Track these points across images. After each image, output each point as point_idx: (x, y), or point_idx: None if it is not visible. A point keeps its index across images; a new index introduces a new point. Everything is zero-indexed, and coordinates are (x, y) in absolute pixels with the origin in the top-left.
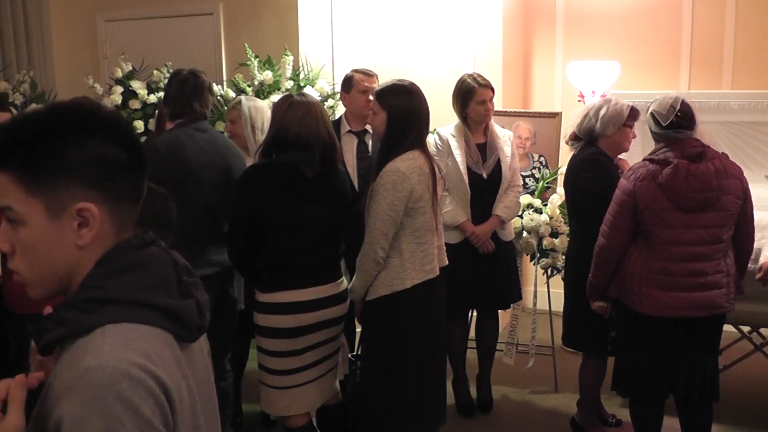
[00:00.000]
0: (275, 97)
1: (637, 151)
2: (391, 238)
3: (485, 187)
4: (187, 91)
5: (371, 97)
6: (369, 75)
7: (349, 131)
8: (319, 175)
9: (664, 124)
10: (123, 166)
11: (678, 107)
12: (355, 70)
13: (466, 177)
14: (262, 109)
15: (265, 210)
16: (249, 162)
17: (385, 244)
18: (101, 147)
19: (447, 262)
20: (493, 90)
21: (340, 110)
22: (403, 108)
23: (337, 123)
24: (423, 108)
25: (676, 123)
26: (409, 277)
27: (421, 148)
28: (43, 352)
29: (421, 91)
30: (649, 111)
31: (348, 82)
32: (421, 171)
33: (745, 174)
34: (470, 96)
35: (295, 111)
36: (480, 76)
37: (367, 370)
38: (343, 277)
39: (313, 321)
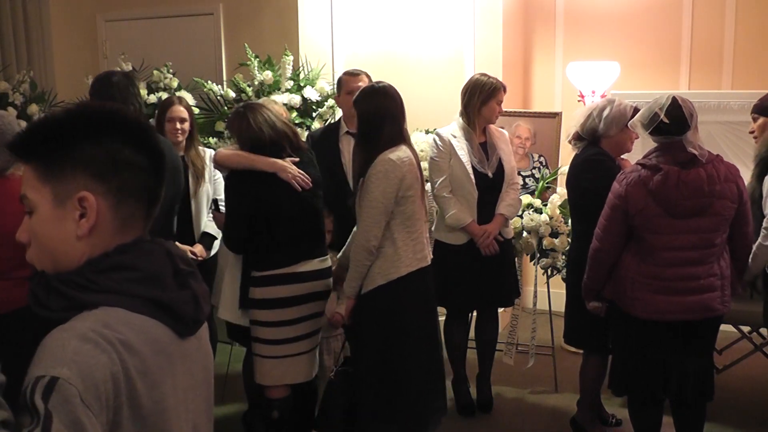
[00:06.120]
0: (276, 97)
1: (640, 151)
2: (383, 227)
3: (490, 186)
4: (118, 97)
5: None
6: (354, 75)
7: (347, 132)
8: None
9: (647, 132)
10: (132, 164)
11: (663, 114)
12: (345, 72)
13: (472, 177)
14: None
15: (264, 207)
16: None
17: (377, 232)
18: (112, 144)
19: (431, 257)
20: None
21: (340, 111)
22: (369, 109)
23: (336, 125)
24: (390, 105)
25: (664, 129)
26: (404, 265)
27: (405, 143)
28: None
29: (391, 90)
30: (635, 118)
31: (338, 85)
32: (411, 161)
33: (745, 174)
34: (494, 94)
35: (255, 119)
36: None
37: (366, 361)
38: (329, 255)
39: (304, 292)
